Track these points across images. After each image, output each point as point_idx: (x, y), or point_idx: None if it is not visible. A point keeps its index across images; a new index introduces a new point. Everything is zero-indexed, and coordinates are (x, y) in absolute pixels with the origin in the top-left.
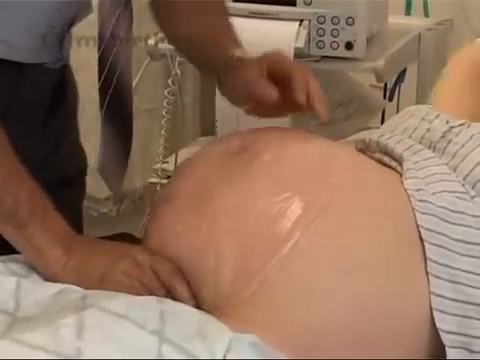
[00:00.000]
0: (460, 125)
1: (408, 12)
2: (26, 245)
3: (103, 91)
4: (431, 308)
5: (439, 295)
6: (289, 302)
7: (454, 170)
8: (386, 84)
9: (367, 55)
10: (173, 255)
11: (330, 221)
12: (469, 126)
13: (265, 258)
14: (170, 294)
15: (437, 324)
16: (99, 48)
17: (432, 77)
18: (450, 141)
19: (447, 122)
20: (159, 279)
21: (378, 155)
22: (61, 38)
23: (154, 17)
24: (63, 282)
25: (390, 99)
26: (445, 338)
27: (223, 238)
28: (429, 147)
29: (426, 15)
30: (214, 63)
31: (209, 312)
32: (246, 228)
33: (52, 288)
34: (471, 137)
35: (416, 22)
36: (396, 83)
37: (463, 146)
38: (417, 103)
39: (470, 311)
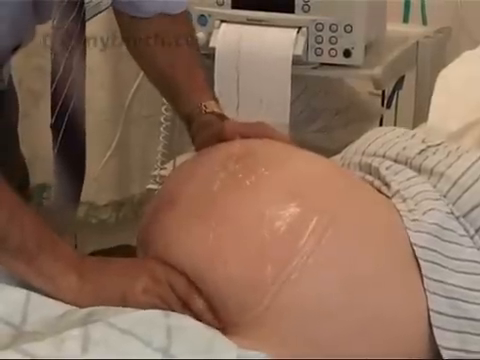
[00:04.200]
0: (437, 145)
1: (406, 20)
2: (39, 277)
3: (55, 129)
4: (431, 325)
5: (438, 312)
6: (302, 317)
7: (434, 188)
8: (384, 91)
9: (365, 62)
10: (179, 264)
11: (340, 233)
12: (446, 146)
13: (277, 268)
14: (186, 307)
15: (437, 341)
16: (52, 84)
17: (430, 85)
18: (427, 157)
19: (423, 141)
20: (175, 293)
21: (360, 173)
22: (1, 65)
23: (130, 52)
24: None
25: (388, 106)
26: (445, 355)
27: (228, 247)
28: (405, 164)
29: (424, 23)
30: (185, 109)
31: (224, 328)
32: (253, 236)
33: (60, 308)
34: (448, 154)
35: (414, 30)
36: (394, 90)
37: (439, 162)
38: (415, 110)
39: (467, 327)
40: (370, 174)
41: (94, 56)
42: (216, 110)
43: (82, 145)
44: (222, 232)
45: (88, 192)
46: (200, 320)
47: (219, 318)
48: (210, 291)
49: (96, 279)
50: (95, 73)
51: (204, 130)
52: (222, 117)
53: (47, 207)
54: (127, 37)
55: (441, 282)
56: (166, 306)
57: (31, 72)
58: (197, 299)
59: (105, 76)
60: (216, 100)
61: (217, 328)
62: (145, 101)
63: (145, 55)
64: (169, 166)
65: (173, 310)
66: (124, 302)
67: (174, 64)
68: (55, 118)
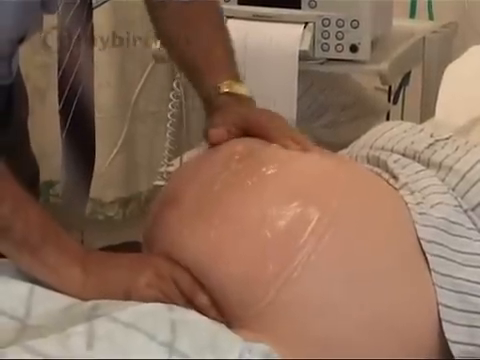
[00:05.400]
0: (445, 139)
1: (412, 15)
2: (43, 269)
3: (63, 114)
4: (440, 319)
5: (447, 306)
6: (304, 314)
7: (442, 182)
8: (391, 87)
9: (372, 58)
10: (183, 262)
11: (342, 231)
12: (455, 140)
13: (279, 266)
14: (190, 303)
15: (446, 335)
16: (58, 71)
17: (437, 80)
18: (435, 151)
19: (431, 135)
20: (179, 288)
21: (367, 166)
22: (10, 56)
23: (154, 30)
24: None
25: (395, 102)
26: (454, 349)
27: (232, 245)
28: (413, 158)
29: (431, 18)
30: (202, 92)
31: (228, 322)
32: (255, 235)
33: (65, 300)
34: (457, 148)
35: (421, 25)
36: (401, 86)
37: (448, 156)
38: (422, 106)
39: (477, 320)
40: (378, 167)
41: (99, 53)
42: (230, 90)
43: (91, 133)
44: (225, 230)
45: (95, 189)
46: (204, 315)
47: (223, 313)
48: (214, 287)
49: (100, 272)
50: (101, 70)
51: (211, 116)
52: (238, 97)
53: (58, 197)
54: (155, 15)
55: (449, 276)
56: (170, 302)
57: (36, 69)
58: (201, 295)
59: (111, 73)
60: (236, 78)
61: (221, 323)
62: (151, 97)
63: (169, 34)
64: (176, 163)
65: (177, 305)
66: (127, 297)
67: (193, 42)
68: (63, 103)
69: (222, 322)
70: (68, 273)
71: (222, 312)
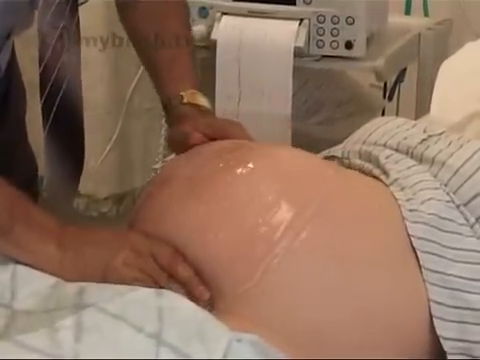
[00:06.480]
0: (439, 134)
1: (408, 11)
2: (17, 249)
3: (46, 110)
4: (431, 315)
5: (438, 302)
6: (292, 299)
7: (434, 177)
8: (386, 83)
9: (367, 54)
10: (170, 237)
11: (331, 217)
12: (448, 136)
13: (266, 246)
14: (172, 278)
15: (438, 331)
16: (39, 66)
17: (432, 77)
18: (428, 147)
19: (425, 131)
20: (158, 263)
21: (359, 161)
22: None
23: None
24: (65, 280)
25: (390, 98)
26: (446, 345)
27: (220, 221)
28: (406, 153)
29: (426, 14)
30: (163, 95)
31: (215, 300)
32: (244, 213)
33: (48, 279)
34: (449, 143)
35: (416, 21)
36: (396, 83)
37: (441, 151)
38: (417, 103)
39: (468, 317)
40: (370, 162)
41: (94, 50)
42: (192, 101)
43: (79, 129)
44: (215, 207)
45: (88, 185)
46: (187, 289)
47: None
48: (201, 264)
49: (77, 248)
50: (95, 66)
51: (178, 124)
52: (199, 108)
53: (46, 191)
54: (125, 15)
55: (440, 273)
56: (149, 279)
57: (28, 63)
58: (182, 266)
59: (105, 69)
60: (197, 88)
61: (206, 299)
62: (146, 94)
63: (138, 33)
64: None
65: (157, 282)
66: (105, 275)
67: (159, 45)
68: (44, 99)
69: (208, 303)
70: (43, 251)
71: (210, 286)
